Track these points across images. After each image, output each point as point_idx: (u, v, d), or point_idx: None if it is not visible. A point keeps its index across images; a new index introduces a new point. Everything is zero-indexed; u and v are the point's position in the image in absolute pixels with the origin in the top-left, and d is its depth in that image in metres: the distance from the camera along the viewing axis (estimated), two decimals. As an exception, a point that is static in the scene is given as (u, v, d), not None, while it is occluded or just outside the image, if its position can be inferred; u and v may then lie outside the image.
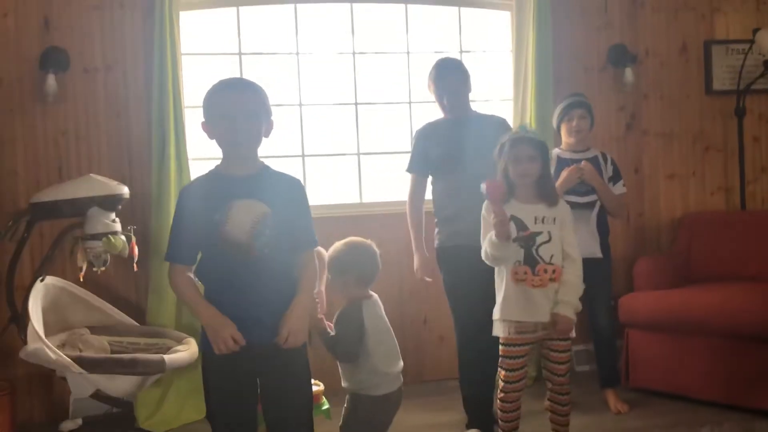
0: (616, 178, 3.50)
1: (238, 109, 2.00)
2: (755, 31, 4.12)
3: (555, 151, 3.55)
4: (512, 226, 2.59)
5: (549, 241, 2.62)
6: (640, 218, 4.23)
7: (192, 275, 2.07)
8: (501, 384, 2.72)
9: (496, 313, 2.68)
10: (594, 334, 3.53)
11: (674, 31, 4.29)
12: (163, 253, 3.44)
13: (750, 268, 3.79)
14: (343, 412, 2.45)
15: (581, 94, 3.63)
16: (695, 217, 4.12)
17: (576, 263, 2.67)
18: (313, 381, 2.43)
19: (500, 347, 2.70)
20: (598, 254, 3.40)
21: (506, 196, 2.61)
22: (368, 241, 2.47)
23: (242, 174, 2.05)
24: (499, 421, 2.77)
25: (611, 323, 3.49)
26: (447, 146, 3.13)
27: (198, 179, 2.14)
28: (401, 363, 2.46)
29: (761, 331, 3.16)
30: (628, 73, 4.12)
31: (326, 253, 2.52)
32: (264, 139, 2.08)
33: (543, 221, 2.64)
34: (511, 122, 3.99)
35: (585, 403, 3.49)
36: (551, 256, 2.62)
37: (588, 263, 3.35)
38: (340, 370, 2.42)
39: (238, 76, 3.81)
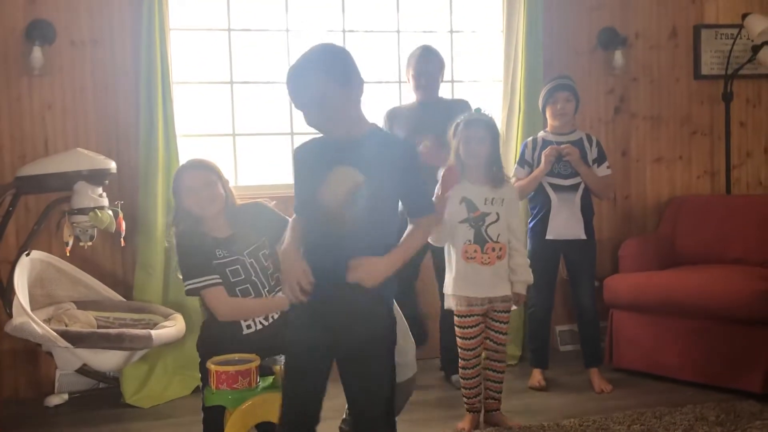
0: (600, 159, 3.51)
1: (300, 86, 1.90)
2: (744, 16, 4.13)
3: (540, 134, 3.56)
4: (463, 207, 2.79)
5: (497, 221, 2.82)
6: (626, 201, 4.27)
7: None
8: (460, 356, 2.90)
9: (448, 289, 2.88)
10: (578, 314, 3.57)
11: (664, 14, 4.29)
12: (151, 229, 3.49)
13: (733, 251, 3.83)
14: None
15: (567, 76, 3.63)
16: (681, 201, 4.15)
17: (521, 244, 2.92)
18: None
19: (455, 319, 2.88)
20: (582, 236, 3.43)
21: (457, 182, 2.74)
22: None
23: (347, 137, 1.93)
24: (462, 389, 2.96)
25: (594, 303, 3.53)
26: (414, 128, 3.29)
27: (309, 140, 2.04)
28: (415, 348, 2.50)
29: (743, 313, 3.21)
30: (618, 56, 4.12)
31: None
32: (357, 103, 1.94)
33: (492, 202, 2.83)
34: (500, 103, 4.02)
35: (568, 383, 3.53)
36: (498, 235, 2.82)
37: (572, 244, 3.42)
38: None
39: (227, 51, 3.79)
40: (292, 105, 1.97)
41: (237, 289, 2.41)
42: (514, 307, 2.93)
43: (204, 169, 2.51)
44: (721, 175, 4.36)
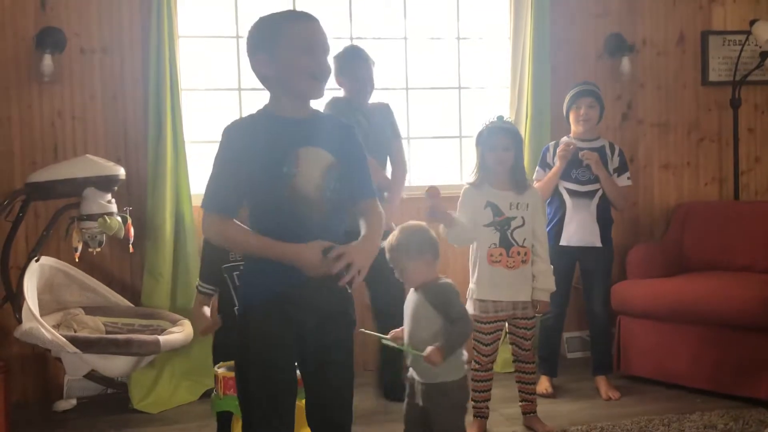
0: (622, 169, 3.50)
1: (321, 40, 1.80)
2: (752, 22, 4.12)
3: (563, 139, 3.54)
4: (489, 211, 2.83)
5: (522, 225, 2.84)
6: (634, 207, 4.25)
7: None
8: (474, 359, 2.90)
9: (472, 293, 2.88)
10: (590, 321, 3.56)
11: (672, 21, 4.29)
12: (159, 235, 3.50)
13: (742, 258, 3.82)
14: (435, 412, 2.32)
15: (592, 82, 3.63)
16: (689, 207, 4.14)
17: (544, 251, 2.91)
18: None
19: (475, 324, 2.83)
20: (597, 243, 3.41)
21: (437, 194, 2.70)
22: (420, 222, 2.44)
23: (299, 116, 1.82)
24: (471, 392, 2.88)
25: (607, 312, 3.52)
26: None
27: (243, 120, 1.87)
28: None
29: (751, 320, 3.19)
30: (625, 63, 4.12)
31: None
32: None
33: (517, 207, 2.85)
34: (507, 109, 4.02)
35: (577, 390, 3.52)
36: (524, 240, 2.85)
37: (586, 251, 3.42)
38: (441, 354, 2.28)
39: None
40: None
41: None
42: (539, 315, 2.94)
43: None
44: (730, 182, 4.35)
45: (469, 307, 2.89)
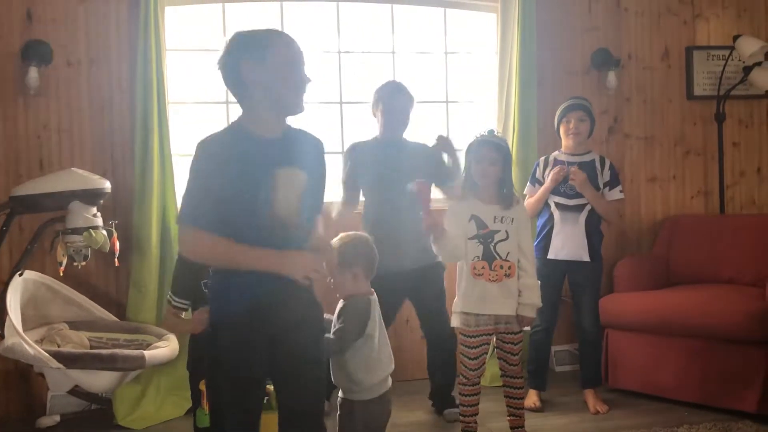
0: (613, 183, 3.50)
1: (303, 58, 1.85)
2: (736, 37, 4.18)
3: (553, 154, 3.56)
4: (473, 224, 2.82)
5: (506, 239, 2.84)
6: (621, 221, 4.27)
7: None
8: (461, 373, 2.90)
9: (456, 306, 2.87)
10: (579, 335, 3.56)
11: (657, 36, 4.34)
12: (145, 248, 3.48)
13: (727, 271, 3.84)
14: (338, 420, 2.40)
15: (583, 97, 3.65)
16: (675, 220, 4.17)
17: (531, 265, 2.89)
18: None
19: (459, 337, 2.88)
20: (585, 258, 3.42)
21: (430, 194, 2.70)
22: (363, 233, 2.46)
23: (274, 135, 1.84)
24: (459, 407, 2.95)
25: (597, 326, 3.52)
26: (380, 166, 3.22)
27: (218, 136, 1.85)
28: (393, 364, 2.46)
29: (738, 333, 3.21)
30: (611, 77, 4.16)
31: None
32: None
33: (501, 221, 2.84)
34: (495, 123, 4.04)
35: (565, 404, 3.52)
36: (507, 253, 2.83)
37: (574, 265, 3.42)
38: (332, 373, 2.35)
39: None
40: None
41: None
42: (527, 328, 2.93)
43: None
44: (715, 195, 4.38)
45: (454, 321, 2.90)
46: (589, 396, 3.47)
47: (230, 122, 1.89)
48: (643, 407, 3.43)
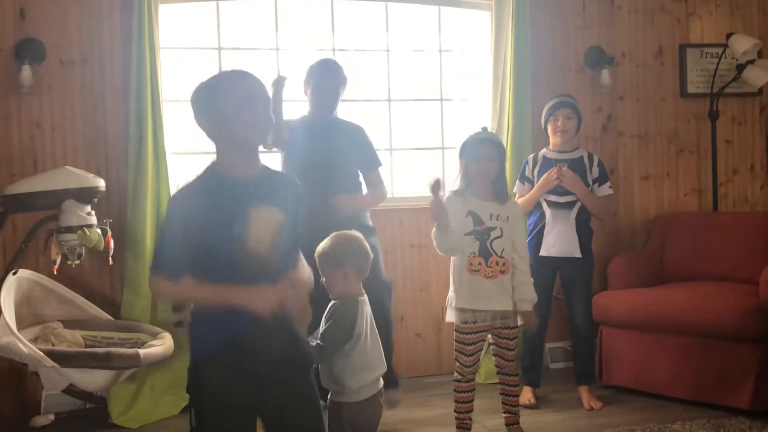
0: (602, 179, 3.52)
1: (259, 92, 1.83)
2: (729, 35, 4.19)
3: (542, 151, 3.58)
4: (470, 220, 2.84)
5: (501, 236, 2.86)
6: (614, 218, 4.29)
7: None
8: (456, 370, 2.91)
9: (451, 302, 2.89)
10: (572, 331, 3.57)
11: (650, 34, 4.35)
12: (140, 247, 3.47)
13: (720, 268, 3.86)
14: (327, 421, 2.36)
15: (569, 94, 3.66)
16: (669, 218, 4.18)
17: (525, 262, 2.92)
18: None
19: (455, 334, 2.90)
20: (577, 254, 3.43)
21: (440, 186, 2.71)
22: (355, 233, 2.46)
23: (248, 176, 1.85)
24: (455, 403, 2.95)
25: (589, 322, 3.54)
26: (310, 144, 3.21)
27: (191, 186, 1.86)
28: (385, 366, 2.44)
29: (731, 329, 3.23)
30: (605, 75, 4.16)
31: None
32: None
33: (497, 218, 2.87)
34: (489, 121, 4.05)
35: (559, 400, 3.53)
36: (502, 250, 2.86)
37: (566, 262, 3.43)
38: (321, 376, 2.33)
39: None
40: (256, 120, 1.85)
41: None
42: (520, 323, 2.93)
43: None
44: (708, 193, 4.40)
45: (450, 316, 2.91)
46: (584, 393, 3.48)
47: (205, 168, 1.91)
48: (637, 404, 3.44)
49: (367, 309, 2.39)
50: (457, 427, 2.94)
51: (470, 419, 2.95)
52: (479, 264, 2.82)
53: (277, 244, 1.83)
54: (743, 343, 3.22)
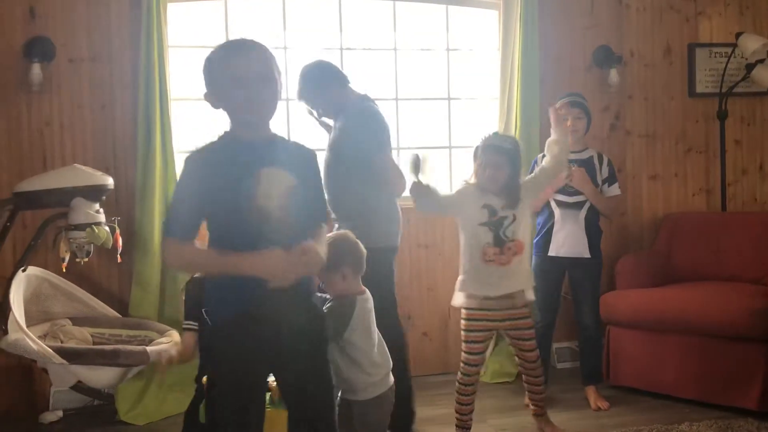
0: (611, 180, 3.52)
1: (254, 70, 1.82)
2: (738, 35, 4.17)
3: None
4: (485, 212, 2.85)
5: (514, 221, 2.85)
6: (622, 218, 4.27)
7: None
8: (461, 361, 2.91)
9: (460, 286, 2.89)
10: (580, 331, 3.57)
11: (659, 33, 4.33)
12: (147, 245, 3.48)
13: (729, 268, 3.84)
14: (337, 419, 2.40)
15: (579, 93, 3.65)
16: (676, 218, 4.16)
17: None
18: None
19: (462, 322, 2.90)
20: (586, 254, 3.42)
21: (419, 165, 2.74)
22: (346, 232, 2.46)
23: (260, 139, 1.85)
24: (456, 404, 2.93)
25: (597, 322, 3.53)
26: None
27: (204, 147, 1.87)
28: (391, 362, 2.45)
29: (739, 330, 3.21)
30: (613, 74, 4.15)
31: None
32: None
33: (508, 208, 2.88)
34: (496, 120, 4.05)
35: (565, 400, 3.52)
36: (514, 233, 2.85)
37: (575, 262, 3.43)
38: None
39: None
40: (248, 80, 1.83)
41: None
42: (531, 298, 2.91)
43: None
44: (717, 193, 4.38)
45: (457, 299, 2.91)
46: (590, 393, 3.47)
47: (220, 133, 1.92)
48: (644, 404, 3.43)
49: (368, 306, 2.40)
50: (457, 427, 2.92)
51: (471, 419, 2.93)
52: (495, 254, 2.82)
53: (288, 206, 1.80)
54: (751, 343, 3.20)
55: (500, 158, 2.85)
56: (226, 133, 1.90)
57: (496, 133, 2.96)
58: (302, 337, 1.86)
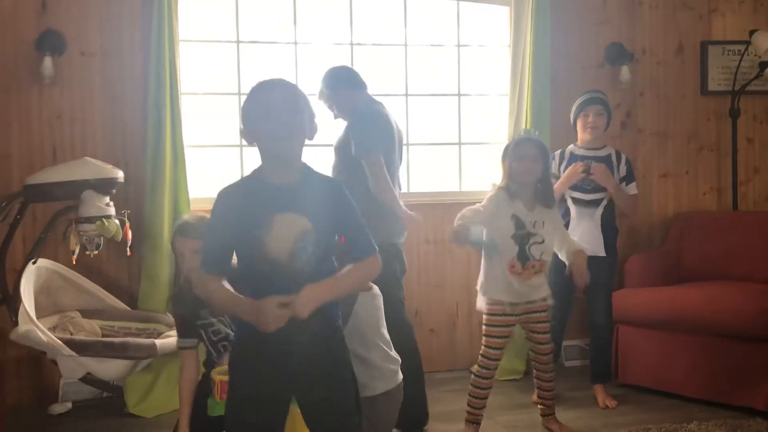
0: (629, 178, 3.50)
1: (278, 103, 1.84)
2: (752, 32, 4.14)
3: (569, 147, 3.55)
4: (512, 224, 2.86)
5: (542, 242, 2.88)
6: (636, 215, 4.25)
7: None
8: (481, 354, 2.93)
9: (482, 289, 2.92)
10: (591, 330, 3.55)
11: (671, 30, 4.30)
12: (157, 238, 3.49)
13: (739, 268, 3.82)
14: None
15: (600, 90, 3.63)
16: (687, 217, 4.14)
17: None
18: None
19: (484, 317, 2.94)
20: (601, 253, 3.41)
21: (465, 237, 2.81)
22: None
23: (284, 182, 1.87)
24: (469, 397, 2.95)
25: (609, 322, 3.51)
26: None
27: (237, 183, 1.93)
28: (399, 359, 2.44)
29: (749, 330, 3.19)
30: (625, 72, 4.13)
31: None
32: (307, 141, 1.91)
33: (543, 225, 2.89)
34: (506, 117, 4.03)
35: (574, 398, 3.51)
36: (540, 254, 2.88)
37: (590, 261, 3.39)
38: None
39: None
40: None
41: (219, 345, 2.41)
42: (550, 302, 2.97)
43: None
44: (728, 192, 4.35)
45: (479, 303, 2.95)
46: (599, 391, 3.46)
47: (252, 170, 1.95)
48: (652, 403, 3.42)
49: (376, 302, 2.38)
50: (467, 421, 2.93)
51: (482, 414, 2.94)
52: (517, 268, 2.85)
53: (300, 251, 1.81)
54: (761, 343, 3.18)
55: (537, 151, 2.87)
56: (255, 170, 1.93)
57: (527, 130, 2.99)
58: (322, 361, 1.88)
